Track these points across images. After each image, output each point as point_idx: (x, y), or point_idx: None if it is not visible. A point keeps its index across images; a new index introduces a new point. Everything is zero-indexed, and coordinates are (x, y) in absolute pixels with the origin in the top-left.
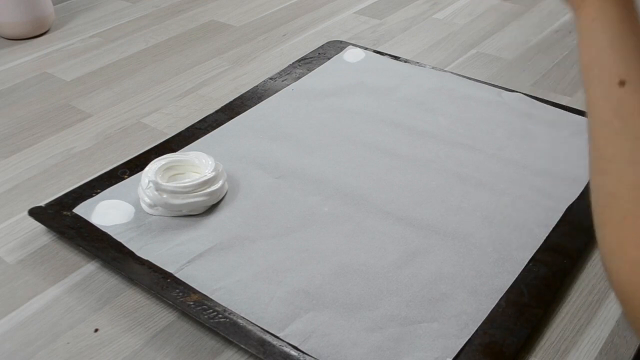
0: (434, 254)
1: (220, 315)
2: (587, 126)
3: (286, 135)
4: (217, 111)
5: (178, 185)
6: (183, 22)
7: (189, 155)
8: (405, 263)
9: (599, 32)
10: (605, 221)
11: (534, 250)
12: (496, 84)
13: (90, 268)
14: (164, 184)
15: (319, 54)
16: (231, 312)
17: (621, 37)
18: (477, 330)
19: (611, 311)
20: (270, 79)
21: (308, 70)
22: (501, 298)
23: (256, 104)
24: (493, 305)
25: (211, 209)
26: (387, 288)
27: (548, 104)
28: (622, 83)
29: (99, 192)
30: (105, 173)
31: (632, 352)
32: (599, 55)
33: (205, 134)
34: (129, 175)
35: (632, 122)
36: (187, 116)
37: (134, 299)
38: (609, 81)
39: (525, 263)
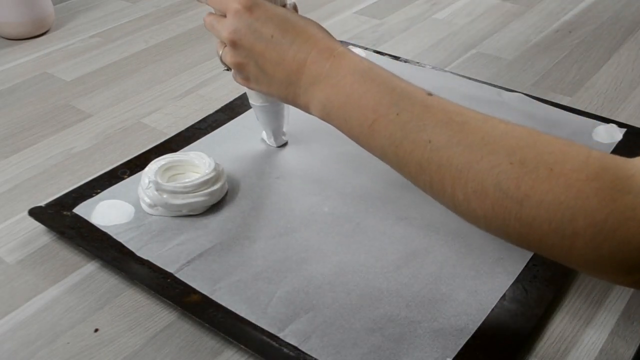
0: (434, 254)
1: (220, 315)
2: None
3: (286, 135)
4: (217, 111)
5: (178, 185)
6: (183, 22)
7: (189, 155)
8: (405, 263)
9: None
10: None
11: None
12: (496, 84)
13: (90, 268)
14: (164, 184)
15: None
16: (231, 312)
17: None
18: (477, 330)
19: (611, 311)
20: None
21: None
22: (501, 298)
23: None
24: (493, 305)
25: (211, 209)
26: (387, 288)
27: (548, 104)
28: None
29: (99, 192)
30: (105, 173)
31: (632, 352)
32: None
33: (205, 134)
34: (129, 175)
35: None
36: (187, 116)
37: (134, 299)
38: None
39: (525, 263)
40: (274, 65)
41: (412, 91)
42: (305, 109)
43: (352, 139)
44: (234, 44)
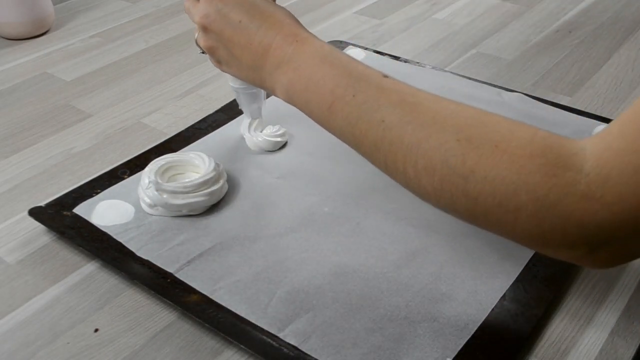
0: (434, 254)
1: (220, 315)
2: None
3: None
4: (217, 111)
5: (178, 185)
6: (183, 22)
7: (189, 155)
8: (405, 263)
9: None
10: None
11: (534, 250)
12: (496, 84)
13: (90, 268)
14: (164, 184)
15: None
16: (231, 312)
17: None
18: (477, 330)
19: (611, 311)
20: None
21: None
22: (501, 298)
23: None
24: (493, 305)
25: (211, 209)
26: (387, 288)
27: (548, 104)
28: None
29: (99, 192)
30: (105, 173)
31: (632, 352)
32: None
33: (205, 134)
34: (129, 175)
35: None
36: (187, 116)
37: (134, 299)
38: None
39: (525, 263)
40: (242, 50)
41: (368, 74)
42: (272, 92)
43: (314, 121)
44: (205, 29)
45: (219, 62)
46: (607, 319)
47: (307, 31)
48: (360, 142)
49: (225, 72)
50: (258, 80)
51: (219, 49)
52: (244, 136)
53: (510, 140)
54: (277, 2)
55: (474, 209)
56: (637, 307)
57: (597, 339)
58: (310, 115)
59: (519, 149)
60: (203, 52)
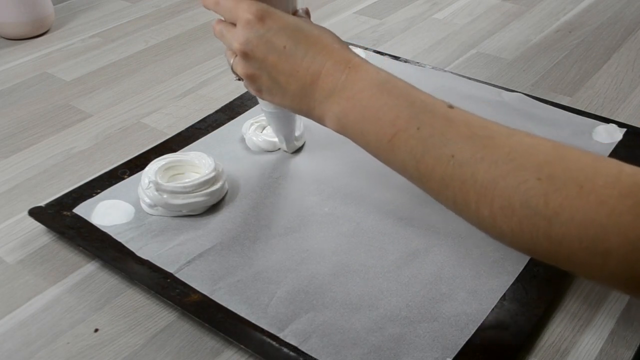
0: (434, 254)
1: (220, 315)
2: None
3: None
4: (217, 111)
5: (178, 185)
6: (183, 22)
7: (189, 155)
8: (405, 263)
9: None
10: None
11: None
12: (496, 84)
13: (90, 268)
14: (164, 184)
15: None
16: (231, 312)
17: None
18: (477, 330)
19: (611, 311)
20: None
21: None
22: (501, 298)
23: (256, 104)
24: (493, 305)
25: (211, 209)
26: (387, 288)
27: (548, 104)
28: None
29: (99, 192)
30: (105, 173)
31: (632, 352)
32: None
33: (205, 134)
34: (129, 175)
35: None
36: (187, 116)
37: (134, 299)
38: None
39: (525, 263)
40: (287, 77)
41: (432, 103)
42: (320, 121)
43: (370, 153)
44: (246, 55)
45: (259, 91)
46: (607, 319)
47: (359, 56)
48: (427, 179)
49: (266, 100)
50: (305, 109)
51: (262, 77)
52: (244, 136)
53: (596, 178)
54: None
55: (557, 252)
56: (637, 307)
57: (597, 339)
58: (366, 147)
59: (606, 189)
60: (239, 79)
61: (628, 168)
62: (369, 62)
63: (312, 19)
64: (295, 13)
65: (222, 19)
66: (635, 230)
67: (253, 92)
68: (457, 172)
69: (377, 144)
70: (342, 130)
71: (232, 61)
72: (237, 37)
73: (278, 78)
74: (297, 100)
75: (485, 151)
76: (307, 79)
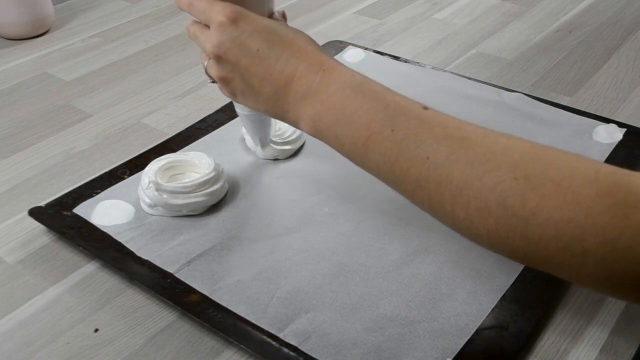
0: (434, 254)
1: (220, 315)
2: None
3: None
4: (217, 111)
5: (178, 185)
6: (183, 22)
7: (189, 155)
8: (405, 263)
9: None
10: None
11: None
12: (496, 84)
13: (90, 268)
14: (164, 184)
15: None
16: (231, 312)
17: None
18: (477, 330)
19: (611, 311)
20: None
21: None
22: (501, 298)
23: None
24: (493, 305)
25: (211, 209)
26: (387, 288)
27: (548, 104)
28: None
29: (99, 192)
30: (105, 173)
31: (632, 352)
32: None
33: (205, 134)
34: (129, 175)
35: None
36: (187, 116)
37: (134, 299)
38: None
39: None
40: (261, 80)
41: (407, 105)
42: (295, 124)
43: (344, 156)
44: (219, 58)
45: (233, 94)
46: (607, 319)
47: (333, 58)
48: (401, 181)
49: (240, 103)
50: (279, 112)
51: (235, 80)
52: (244, 137)
53: (573, 177)
54: (277, 2)
55: (534, 253)
56: (637, 307)
57: (597, 339)
58: (341, 150)
59: (584, 188)
60: (213, 82)
61: (606, 168)
62: (343, 65)
63: (312, 18)
64: (271, 15)
65: (197, 20)
66: (613, 231)
67: (227, 95)
68: (432, 174)
69: (352, 146)
70: (316, 133)
71: (206, 64)
72: (210, 40)
73: (251, 81)
74: (271, 103)
75: (461, 152)
76: (280, 82)
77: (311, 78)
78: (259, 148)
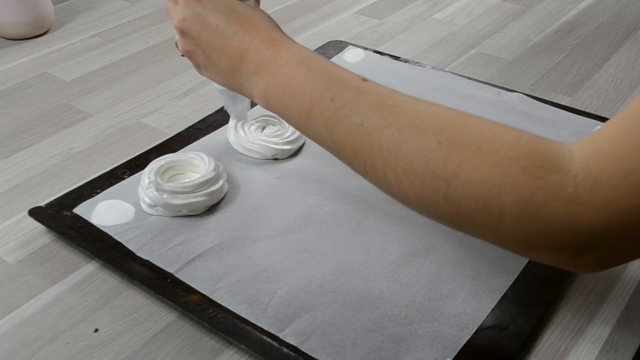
0: (434, 254)
1: (220, 315)
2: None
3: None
4: (217, 111)
5: (178, 185)
6: None
7: (189, 155)
8: (405, 263)
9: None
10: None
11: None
12: (496, 84)
13: (90, 268)
14: (164, 184)
15: (319, 54)
16: (231, 312)
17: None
18: (477, 330)
19: (611, 311)
20: None
21: None
22: (501, 298)
23: (256, 104)
24: (493, 305)
25: (211, 209)
26: (387, 288)
27: (548, 104)
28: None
29: (99, 192)
30: (105, 173)
31: (632, 352)
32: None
33: (205, 134)
34: (129, 175)
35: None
36: (187, 116)
37: (134, 299)
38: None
39: (525, 263)
40: (219, 54)
41: (347, 77)
42: (250, 97)
43: (293, 127)
44: (182, 32)
45: (198, 66)
46: (607, 319)
47: (285, 35)
48: (340, 147)
49: (205, 76)
50: (236, 85)
51: (197, 53)
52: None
53: (494, 142)
54: (277, 2)
55: (457, 213)
56: (637, 307)
57: (597, 339)
58: (289, 121)
59: (502, 151)
60: (183, 55)
61: (528, 135)
62: (294, 41)
63: (312, 18)
64: None
65: None
66: (527, 190)
67: (195, 68)
68: (366, 140)
69: (298, 117)
70: (268, 105)
71: (176, 37)
72: (176, 14)
73: (211, 55)
74: (228, 76)
75: (392, 118)
76: (235, 57)
77: (262, 53)
78: (234, 122)
